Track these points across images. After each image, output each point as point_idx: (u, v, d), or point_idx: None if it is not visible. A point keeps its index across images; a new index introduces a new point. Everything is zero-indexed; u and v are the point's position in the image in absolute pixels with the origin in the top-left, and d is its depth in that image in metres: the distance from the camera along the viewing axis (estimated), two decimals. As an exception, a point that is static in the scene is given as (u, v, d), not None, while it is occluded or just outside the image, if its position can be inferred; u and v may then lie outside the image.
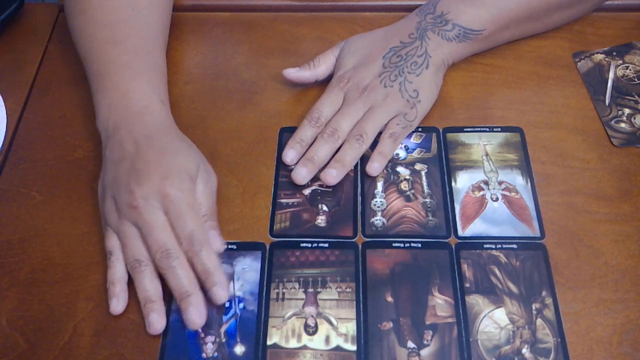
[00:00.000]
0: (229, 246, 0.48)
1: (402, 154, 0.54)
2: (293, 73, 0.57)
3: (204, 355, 0.44)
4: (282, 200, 0.51)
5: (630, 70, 0.58)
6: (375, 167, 0.52)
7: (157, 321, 0.44)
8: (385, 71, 0.53)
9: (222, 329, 0.45)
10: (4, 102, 0.59)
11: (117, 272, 0.46)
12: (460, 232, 0.49)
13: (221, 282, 0.45)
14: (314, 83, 0.58)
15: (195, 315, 0.44)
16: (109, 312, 0.46)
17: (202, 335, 0.45)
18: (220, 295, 0.45)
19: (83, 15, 0.56)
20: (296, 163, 0.52)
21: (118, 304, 0.45)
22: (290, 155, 0.52)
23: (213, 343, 0.44)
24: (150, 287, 0.45)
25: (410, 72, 0.53)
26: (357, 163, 0.53)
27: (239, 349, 0.44)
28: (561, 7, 0.58)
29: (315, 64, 0.57)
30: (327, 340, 0.44)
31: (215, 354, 0.44)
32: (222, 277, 0.45)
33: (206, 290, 0.45)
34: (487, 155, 0.53)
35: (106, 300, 0.46)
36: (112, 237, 0.47)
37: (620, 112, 0.56)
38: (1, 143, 0.56)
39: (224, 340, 0.44)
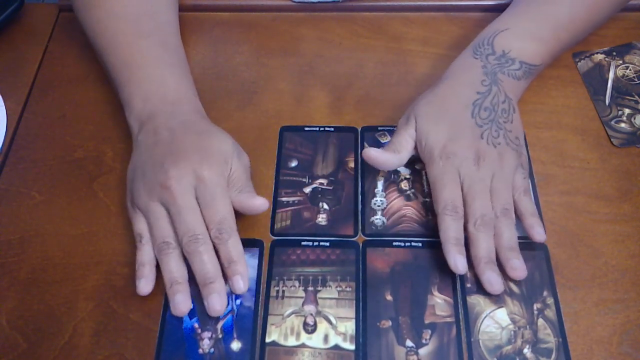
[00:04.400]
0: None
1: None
2: (378, 156, 0.50)
3: (200, 350, 0.44)
4: (283, 199, 0.51)
5: (630, 70, 0.59)
6: (539, 231, 0.47)
7: (182, 302, 0.45)
8: (484, 130, 0.49)
9: (219, 325, 0.45)
10: (4, 102, 0.59)
11: (146, 254, 0.47)
12: (460, 232, 0.49)
13: (242, 273, 0.46)
14: (312, 81, 0.58)
15: (217, 302, 0.44)
16: (109, 312, 0.46)
17: (199, 330, 0.45)
18: (240, 285, 0.45)
19: (100, 8, 0.56)
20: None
21: (147, 284, 0.46)
22: (461, 263, 0.45)
23: (210, 339, 0.44)
24: (176, 270, 0.46)
25: (505, 121, 0.50)
26: (358, 161, 0.53)
27: (235, 345, 0.44)
28: (595, 28, 0.59)
29: (397, 148, 0.50)
30: (326, 338, 0.44)
31: (212, 349, 0.44)
32: (245, 268, 0.46)
33: (227, 277, 0.46)
34: (487, 155, 0.53)
35: (106, 300, 0.47)
36: (141, 220, 0.48)
37: (620, 112, 0.56)
38: (1, 143, 0.56)
39: (220, 336, 0.45)
